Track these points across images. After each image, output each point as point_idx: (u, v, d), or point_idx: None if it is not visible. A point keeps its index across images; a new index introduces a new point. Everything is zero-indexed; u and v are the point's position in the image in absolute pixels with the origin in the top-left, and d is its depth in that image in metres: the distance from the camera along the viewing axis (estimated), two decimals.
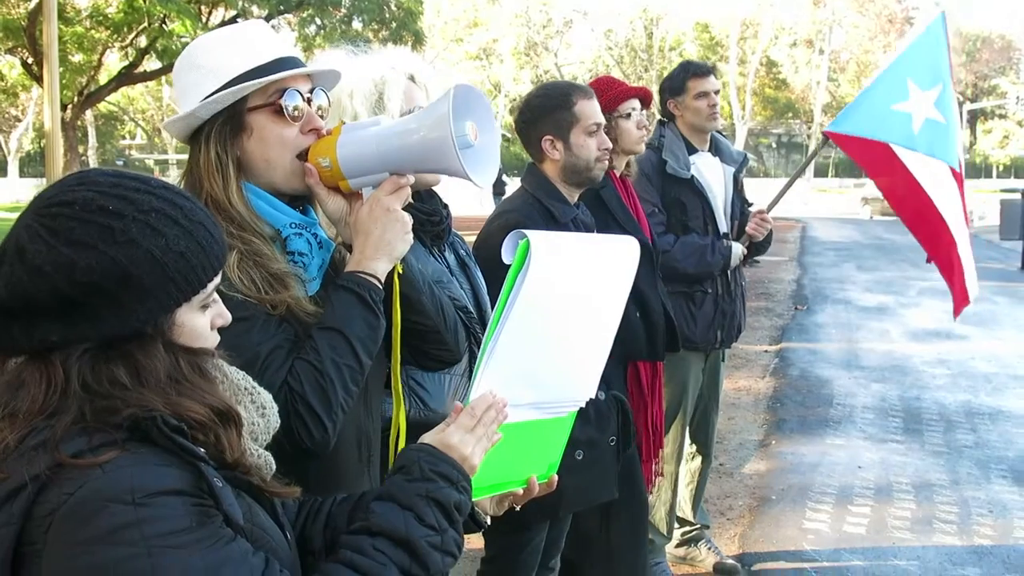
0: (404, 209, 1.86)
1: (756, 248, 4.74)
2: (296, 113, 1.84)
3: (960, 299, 5.10)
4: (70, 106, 22.78)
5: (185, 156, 1.95)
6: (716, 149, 4.66)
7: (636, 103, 3.91)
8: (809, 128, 60.22)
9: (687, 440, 4.77)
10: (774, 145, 74.29)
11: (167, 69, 21.81)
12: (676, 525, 4.84)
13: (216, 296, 1.39)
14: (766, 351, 10.41)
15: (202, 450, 1.26)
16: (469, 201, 23.00)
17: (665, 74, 5.15)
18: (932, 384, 8.93)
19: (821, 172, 64.09)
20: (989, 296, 14.39)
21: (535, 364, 1.72)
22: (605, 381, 3.37)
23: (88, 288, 1.24)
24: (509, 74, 58.36)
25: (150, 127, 58.50)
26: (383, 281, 1.85)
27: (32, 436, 1.21)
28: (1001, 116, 65.92)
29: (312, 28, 26.66)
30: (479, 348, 1.67)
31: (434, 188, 2.59)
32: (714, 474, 6.12)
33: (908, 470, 6.42)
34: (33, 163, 53.10)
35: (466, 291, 2.62)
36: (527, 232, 1.63)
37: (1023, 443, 7.02)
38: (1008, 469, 6.42)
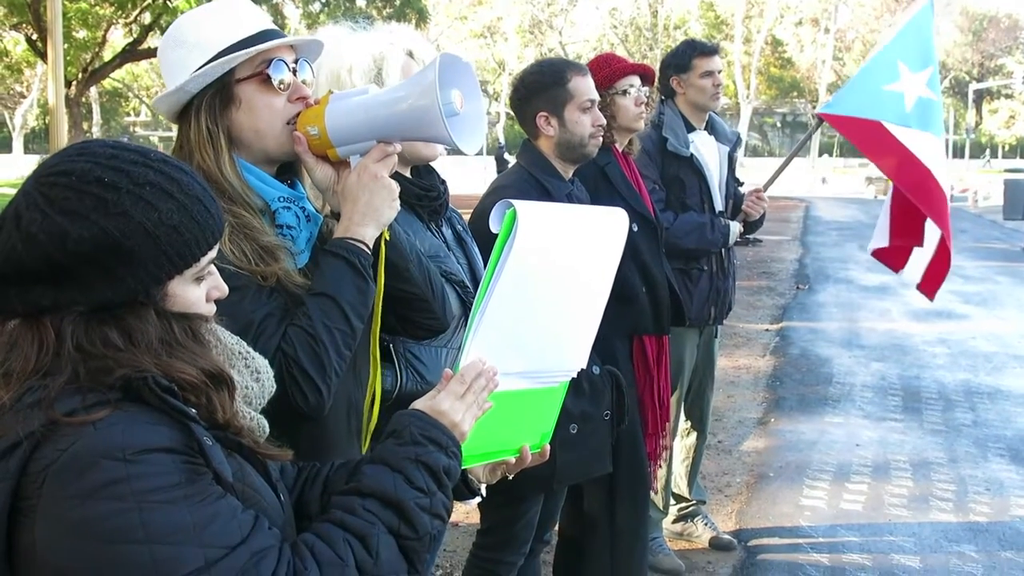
0: (394, 179, 1.89)
1: (750, 227, 4.77)
2: (283, 83, 1.87)
3: (938, 278, 5.16)
4: (74, 83, 22.75)
5: None
6: (711, 128, 4.67)
7: (635, 80, 3.90)
8: (814, 107, 59.82)
9: (682, 416, 4.81)
10: (779, 124, 74.15)
11: None
12: (672, 501, 4.88)
13: (212, 269, 1.41)
14: (767, 330, 10.43)
15: (193, 411, 1.29)
16: (474, 180, 22.97)
17: None
18: (932, 363, 8.95)
19: (826, 152, 63.93)
20: (991, 276, 14.41)
21: (524, 332, 1.73)
22: (611, 355, 3.45)
23: (80, 257, 1.26)
24: (513, 53, 58.16)
25: None
26: (371, 247, 1.88)
27: (28, 395, 1.24)
28: (1007, 96, 65.61)
29: (316, 5, 26.60)
30: None
31: (432, 164, 2.61)
32: (712, 451, 6.16)
33: (906, 448, 6.45)
34: (38, 139, 53.20)
35: (463, 266, 2.63)
36: (514, 201, 1.64)
37: (1021, 422, 7.05)
38: (1006, 448, 6.45)
